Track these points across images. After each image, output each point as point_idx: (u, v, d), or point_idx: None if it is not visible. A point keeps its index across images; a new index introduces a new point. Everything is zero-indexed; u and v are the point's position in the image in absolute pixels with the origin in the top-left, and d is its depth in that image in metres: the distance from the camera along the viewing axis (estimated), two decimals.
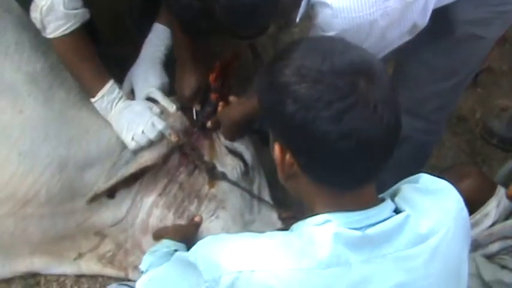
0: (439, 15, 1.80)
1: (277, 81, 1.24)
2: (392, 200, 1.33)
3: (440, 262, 1.30)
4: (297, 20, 1.71)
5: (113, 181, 2.04)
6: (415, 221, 1.28)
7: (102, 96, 2.04)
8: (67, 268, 2.29)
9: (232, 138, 2.23)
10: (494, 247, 2.03)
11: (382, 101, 1.19)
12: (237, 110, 2.14)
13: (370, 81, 1.19)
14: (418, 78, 2.17)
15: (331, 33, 1.66)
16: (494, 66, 3.32)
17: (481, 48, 2.14)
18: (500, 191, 2.11)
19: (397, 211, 1.30)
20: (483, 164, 2.99)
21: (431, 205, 1.33)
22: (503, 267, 1.97)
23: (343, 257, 1.21)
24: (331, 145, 1.18)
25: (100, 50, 2.09)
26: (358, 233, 1.23)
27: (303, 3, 1.66)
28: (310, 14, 1.72)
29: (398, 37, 1.75)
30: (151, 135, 2.02)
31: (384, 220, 1.26)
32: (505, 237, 2.03)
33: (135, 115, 2.05)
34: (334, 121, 1.16)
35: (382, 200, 1.31)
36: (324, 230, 1.23)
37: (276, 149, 1.29)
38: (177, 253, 1.56)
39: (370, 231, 1.24)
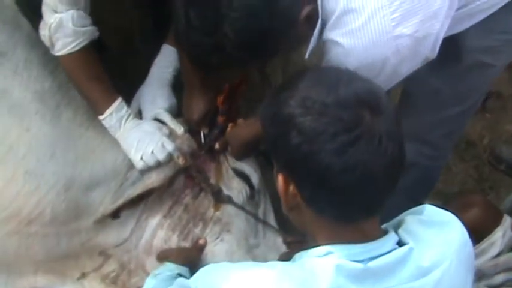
0: (448, 43, 1.79)
1: (282, 113, 1.24)
2: (396, 232, 1.32)
3: None
4: (306, 56, 1.70)
5: (119, 202, 2.03)
6: (419, 254, 1.27)
7: (111, 114, 2.02)
8: (70, 287, 2.29)
9: (239, 158, 2.23)
10: (499, 278, 2.02)
11: (387, 133, 1.19)
12: (246, 130, 2.13)
13: (375, 114, 1.19)
14: (425, 104, 2.16)
15: None
16: (503, 92, 3.29)
17: (489, 75, 2.13)
18: (506, 221, 2.10)
19: (400, 243, 1.30)
20: (491, 190, 2.96)
21: (435, 238, 1.32)
22: None
23: None
24: (335, 178, 1.18)
25: (107, 66, 2.09)
26: (360, 265, 1.22)
27: (313, 39, 1.65)
28: (321, 48, 1.71)
29: (409, 70, 1.74)
30: (161, 156, 2.01)
31: (387, 253, 1.26)
32: (509, 269, 2.02)
33: (145, 135, 2.03)
34: (339, 154, 1.16)
35: (386, 232, 1.31)
36: (326, 262, 1.23)
37: (280, 180, 1.28)
38: (179, 279, 1.56)
39: (372, 264, 1.23)
